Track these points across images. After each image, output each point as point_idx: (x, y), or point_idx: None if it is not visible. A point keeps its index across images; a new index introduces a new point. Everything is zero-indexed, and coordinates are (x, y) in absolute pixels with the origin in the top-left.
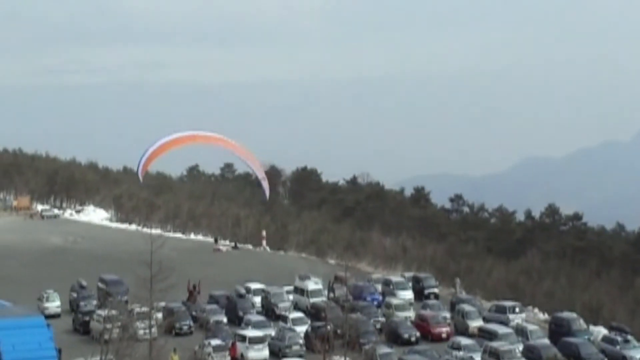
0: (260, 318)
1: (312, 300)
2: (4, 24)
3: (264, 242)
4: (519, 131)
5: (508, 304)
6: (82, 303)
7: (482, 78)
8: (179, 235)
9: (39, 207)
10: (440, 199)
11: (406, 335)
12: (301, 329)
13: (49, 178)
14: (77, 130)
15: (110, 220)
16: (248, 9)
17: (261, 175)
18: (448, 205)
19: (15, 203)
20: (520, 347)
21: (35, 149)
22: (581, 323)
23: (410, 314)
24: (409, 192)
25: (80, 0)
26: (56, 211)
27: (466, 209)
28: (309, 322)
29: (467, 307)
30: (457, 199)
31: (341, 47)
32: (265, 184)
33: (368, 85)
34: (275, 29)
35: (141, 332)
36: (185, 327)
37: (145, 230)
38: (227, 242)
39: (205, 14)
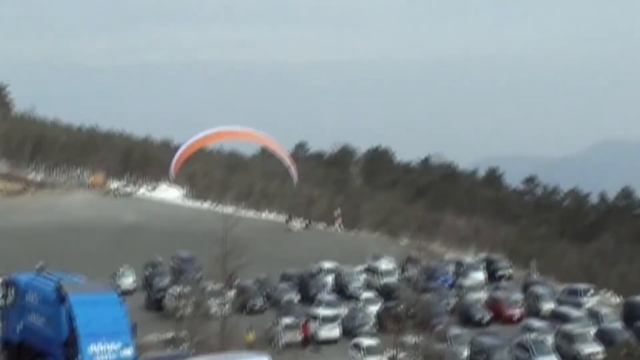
0: (333, 297)
1: (385, 280)
2: (86, 4)
3: (338, 222)
4: (596, 113)
5: (581, 287)
6: (155, 280)
7: (560, 60)
8: (251, 213)
9: (114, 185)
10: (513, 180)
11: (478, 317)
12: (373, 309)
13: (124, 156)
14: (152, 108)
15: (184, 198)
16: None
17: (288, 163)
18: (521, 187)
19: (90, 180)
20: (593, 330)
21: (110, 126)
22: None
23: (483, 295)
24: (482, 173)
25: None
26: (130, 189)
27: (540, 191)
28: (381, 302)
29: (539, 290)
30: (530, 180)
31: (418, 28)
32: (293, 171)
33: (444, 66)
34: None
35: (214, 309)
36: (257, 306)
37: (219, 208)
38: (300, 221)
39: None
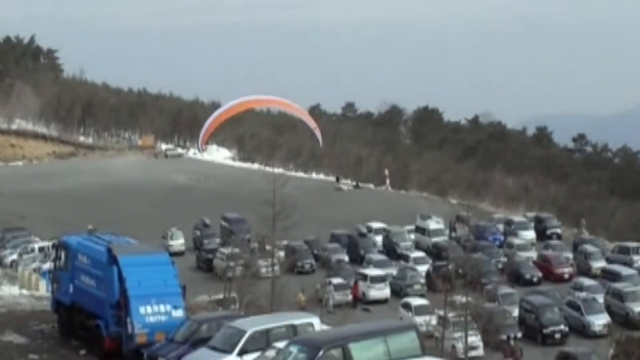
0: (382, 257)
1: (434, 239)
2: None
3: (387, 181)
4: None
5: (632, 245)
6: (205, 241)
7: (609, 16)
8: (300, 174)
9: (163, 147)
10: (563, 138)
11: (528, 276)
12: (422, 269)
13: (173, 118)
14: (201, 70)
15: (233, 159)
16: None
17: (313, 125)
18: (571, 145)
19: (140, 142)
20: None
21: (159, 89)
22: None
23: (532, 254)
24: (531, 131)
25: None
26: (180, 150)
27: (589, 149)
28: (430, 261)
29: (589, 248)
30: (580, 138)
31: None
32: (318, 133)
33: (491, 23)
34: None
35: (264, 270)
36: (307, 266)
37: (268, 169)
38: (349, 181)
39: None
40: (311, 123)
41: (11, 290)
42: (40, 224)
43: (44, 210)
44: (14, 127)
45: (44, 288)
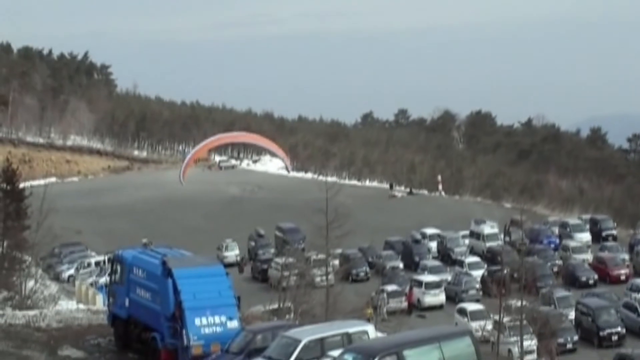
0: (436, 263)
1: (488, 244)
2: None
3: (441, 187)
4: None
5: None
6: (260, 251)
7: None
8: (354, 182)
9: (217, 159)
10: (617, 139)
11: (584, 278)
12: (477, 274)
13: (226, 129)
14: (253, 82)
15: (286, 169)
16: None
17: (282, 154)
18: (626, 145)
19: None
20: None
21: (212, 101)
22: None
23: (588, 256)
24: (585, 133)
25: None
26: (234, 162)
27: None
28: (485, 266)
29: None
30: (635, 139)
31: None
32: (287, 162)
33: (543, 26)
34: None
35: (318, 279)
36: (361, 274)
37: (321, 178)
38: (403, 188)
39: None
40: (279, 152)
41: (68, 305)
42: (96, 239)
43: (100, 225)
44: (69, 143)
45: (100, 302)
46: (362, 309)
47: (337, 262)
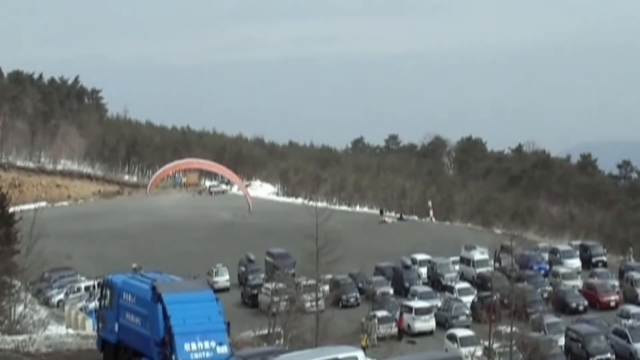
0: (427, 289)
1: (479, 270)
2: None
3: (431, 213)
4: None
5: None
6: (250, 276)
7: None
8: (344, 207)
9: (207, 183)
10: (608, 166)
11: (574, 304)
12: (467, 299)
13: (217, 154)
14: (244, 106)
15: (277, 194)
16: None
17: (244, 190)
18: (616, 171)
19: (184, 180)
20: None
21: (202, 126)
22: None
23: (578, 282)
24: (575, 159)
25: None
26: (224, 187)
27: (635, 175)
28: (475, 292)
29: (636, 275)
30: (625, 165)
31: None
32: (249, 199)
33: (534, 53)
34: None
35: (308, 304)
36: (351, 299)
37: (312, 203)
38: (393, 214)
39: None
40: (242, 188)
41: (58, 330)
42: (87, 263)
43: (90, 250)
44: (59, 167)
45: (90, 327)
46: (357, 336)
47: (327, 287)
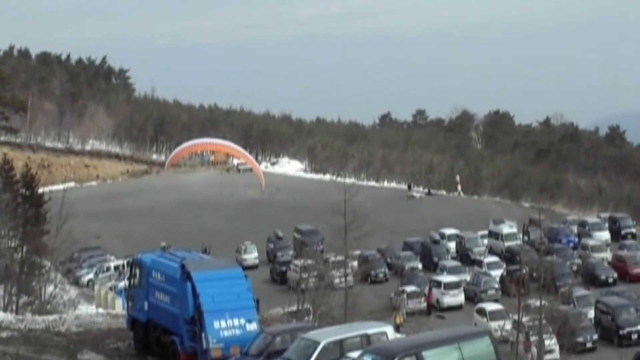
0: (455, 263)
1: (507, 244)
2: None
3: (459, 187)
4: None
5: None
6: (279, 253)
7: None
8: (372, 183)
9: (235, 161)
10: (636, 137)
11: (603, 277)
12: (496, 273)
13: (244, 132)
14: (271, 83)
15: (305, 171)
16: None
17: (259, 173)
18: None
19: (212, 158)
20: None
21: (230, 104)
22: None
23: (607, 255)
24: (603, 131)
25: None
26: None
27: None
28: (504, 266)
29: None
30: None
31: None
32: (262, 180)
33: (562, 25)
34: None
35: (337, 280)
36: (380, 275)
37: (339, 179)
38: (421, 189)
39: None
40: (255, 167)
41: (88, 310)
42: (116, 243)
43: (119, 229)
44: (87, 147)
45: (120, 306)
46: (386, 312)
47: (355, 263)
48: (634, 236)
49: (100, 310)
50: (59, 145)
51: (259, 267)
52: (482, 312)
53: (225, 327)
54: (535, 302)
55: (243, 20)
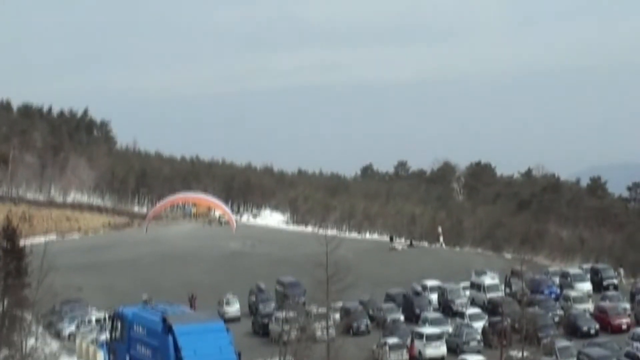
0: (437, 315)
1: (489, 295)
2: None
3: (441, 239)
4: None
5: None
6: (261, 306)
7: None
8: (354, 235)
9: (217, 213)
10: (618, 188)
11: (585, 328)
12: (478, 325)
13: (226, 184)
14: (252, 135)
15: (287, 223)
16: (424, 4)
17: (229, 217)
18: (626, 194)
19: (194, 210)
20: None
21: (211, 155)
22: None
23: (589, 306)
24: (585, 182)
25: (252, 7)
26: (229, 212)
27: None
28: (486, 317)
29: None
30: (635, 187)
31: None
32: (233, 224)
33: (541, 76)
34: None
35: (319, 332)
36: (362, 327)
37: (321, 231)
38: (403, 240)
39: (378, 11)
40: (230, 219)
41: None
42: (97, 295)
43: (101, 282)
44: (69, 200)
45: (101, 359)
46: None
47: (337, 315)
48: (615, 287)
49: None
50: (41, 198)
51: (240, 319)
52: None
53: None
54: (517, 354)
55: (223, 72)
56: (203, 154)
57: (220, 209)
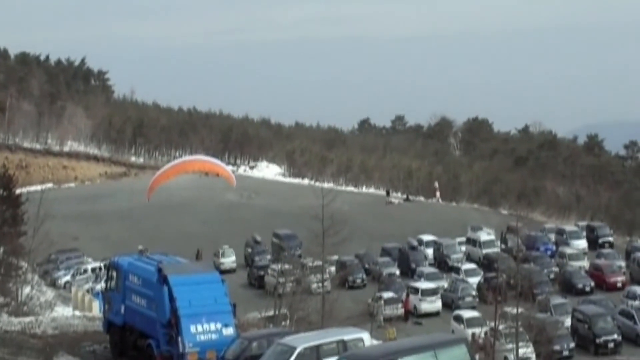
0: (433, 270)
1: (485, 251)
2: None
3: (438, 194)
4: None
5: None
6: (256, 258)
7: None
8: (351, 188)
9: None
10: (614, 146)
11: (580, 285)
12: (474, 280)
13: (223, 135)
14: (250, 87)
15: (283, 175)
16: None
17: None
18: (623, 152)
19: None
20: None
21: (209, 107)
22: None
23: (585, 263)
24: (582, 140)
25: None
26: (231, 168)
27: None
28: (482, 273)
29: None
30: (631, 145)
31: None
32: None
33: (540, 33)
34: None
35: (314, 285)
36: (358, 280)
37: (318, 184)
38: (399, 195)
39: None
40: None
41: (64, 312)
42: (93, 245)
43: (97, 231)
44: (66, 149)
45: (96, 309)
46: (363, 317)
47: (333, 268)
48: (611, 245)
49: (77, 312)
50: (37, 146)
51: (236, 271)
52: (459, 319)
53: (201, 331)
54: (512, 310)
55: (223, 24)
56: (200, 105)
57: (221, 169)
